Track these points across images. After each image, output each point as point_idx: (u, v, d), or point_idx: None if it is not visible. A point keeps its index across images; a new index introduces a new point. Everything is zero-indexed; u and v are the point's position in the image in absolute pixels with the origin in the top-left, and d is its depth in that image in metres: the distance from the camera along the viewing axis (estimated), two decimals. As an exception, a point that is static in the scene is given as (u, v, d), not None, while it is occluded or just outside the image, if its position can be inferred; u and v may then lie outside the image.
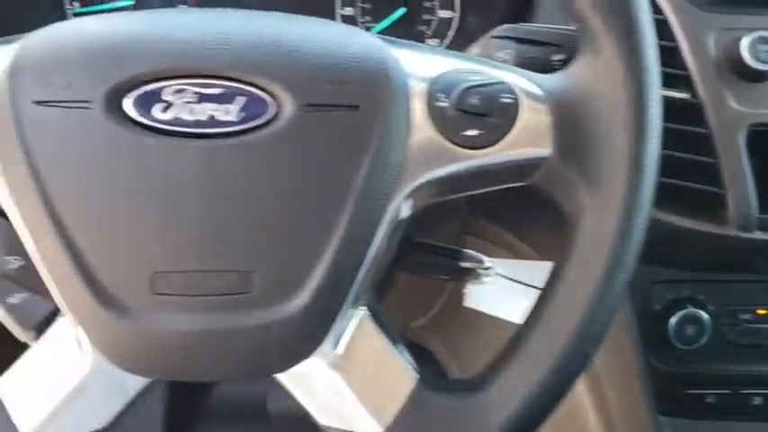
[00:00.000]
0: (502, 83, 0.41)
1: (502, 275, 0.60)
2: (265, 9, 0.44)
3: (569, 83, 0.42)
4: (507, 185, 0.43)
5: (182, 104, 0.37)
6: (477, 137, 0.40)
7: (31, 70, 0.37)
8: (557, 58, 0.51)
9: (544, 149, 0.41)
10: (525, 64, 0.48)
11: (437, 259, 0.52)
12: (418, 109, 0.40)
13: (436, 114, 0.40)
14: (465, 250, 0.53)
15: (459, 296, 0.78)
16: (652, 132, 0.40)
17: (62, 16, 0.74)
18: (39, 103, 0.37)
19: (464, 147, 0.40)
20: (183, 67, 0.37)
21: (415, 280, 0.53)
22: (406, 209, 0.41)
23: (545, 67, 0.49)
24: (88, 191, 0.37)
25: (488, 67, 0.43)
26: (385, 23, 0.78)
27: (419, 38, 0.79)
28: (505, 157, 0.41)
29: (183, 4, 0.76)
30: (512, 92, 0.41)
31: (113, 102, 0.37)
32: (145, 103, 0.37)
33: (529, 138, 0.41)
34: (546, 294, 0.42)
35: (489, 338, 0.73)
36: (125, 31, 0.38)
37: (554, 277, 0.42)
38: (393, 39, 0.42)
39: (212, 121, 0.37)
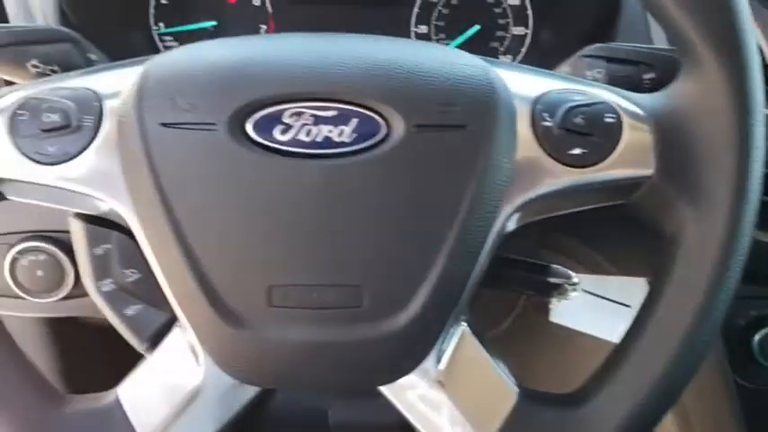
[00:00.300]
0: (604, 102, 0.42)
1: (588, 292, 0.60)
2: (344, 30, 0.46)
3: (671, 102, 0.42)
4: (608, 203, 0.44)
5: (300, 126, 0.38)
6: (581, 156, 0.41)
7: (158, 93, 0.39)
8: (647, 77, 0.51)
9: (647, 169, 0.42)
10: (616, 83, 0.49)
11: (524, 274, 0.53)
12: (523, 128, 0.41)
13: (541, 134, 0.41)
14: (553, 265, 0.53)
15: (531, 310, 0.78)
16: (757, 151, 0.40)
17: (148, 35, 0.77)
18: (165, 125, 0.39)
19: (568, 165, 0.41)
20: (301, 90, 0.39)
21: (488, 293, 0.53)
22: (512, 225, 0.42)
23: (636, 87, 0.50)
24: (210, 208, 0.38)
25: (588, 86, 0.43)
26: (459, 40, 0.79)
27: (492, 55, 0.80)
28: (609, 175, 0.42)
29: (264, 24, 0.78)
30: (614, 111, 0.42)
31: (237, 124, 0.38)
32: (266, 125, 0.38)
33: (632, 157, 0.42)
34: (646, 311, 0.42)
35: (566, 353, 0.73)
36: (245, 56, 0.40)
37: (654, 294, 0.42)
38: (494, 59, 0.43)
39: (328, 142, 0.39)
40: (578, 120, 0.41)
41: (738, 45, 0.40)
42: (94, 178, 0.40)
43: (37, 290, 0.61)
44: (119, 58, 0.47)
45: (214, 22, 0.77)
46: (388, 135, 0.39)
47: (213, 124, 0.38)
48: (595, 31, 0.72)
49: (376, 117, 0.39)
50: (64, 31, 0.51)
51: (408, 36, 0.79)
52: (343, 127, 0.39)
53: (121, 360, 0.44)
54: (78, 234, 0.44)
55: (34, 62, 0.50)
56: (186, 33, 0.78)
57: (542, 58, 0.76)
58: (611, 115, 0.41)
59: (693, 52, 0.41)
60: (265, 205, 0.38)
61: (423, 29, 0.79)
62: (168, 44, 0.78)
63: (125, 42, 0.74)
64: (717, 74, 0.40)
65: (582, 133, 0.41)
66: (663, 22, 0.42)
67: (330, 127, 0.39)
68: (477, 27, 0.79)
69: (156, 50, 0.77)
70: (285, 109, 0.39)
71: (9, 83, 0.53)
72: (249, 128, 0.38)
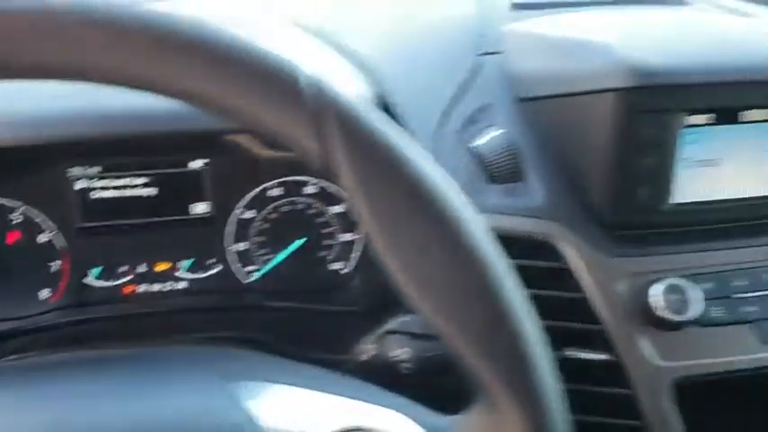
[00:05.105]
0: None
1: None
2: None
3: None
4: None
5: None
6: None
7: None
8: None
9: None
10: (426, 363, 0.43)
11: None
12: None
13: None
14: None
15: None
16: None
17: None
18: None
19: None
20: None
21: None
22: None
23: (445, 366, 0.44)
24: None
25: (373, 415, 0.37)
26: (284, 254, 0.73)
27: (322, 264, 0.74)
28: None
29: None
30: None
31: None
32: None
33: None
34: None
35: None
36: None
37: None
38: None
39: None
40: None
41: (528, 368, 0.34)
42: None
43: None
44: None
45: None
46: None
47: None
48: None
49: None
50: None
51: (224, 254, 0.72)
52: None
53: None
54: None
55: None
56: None
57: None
58: None
59: (480, 382, 0.35)
60: None
61: (242, 246, 0.73)
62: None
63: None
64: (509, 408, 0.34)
65: None
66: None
67: None
68: (303, 239, 0.74)
69: None
70: None
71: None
72: None
